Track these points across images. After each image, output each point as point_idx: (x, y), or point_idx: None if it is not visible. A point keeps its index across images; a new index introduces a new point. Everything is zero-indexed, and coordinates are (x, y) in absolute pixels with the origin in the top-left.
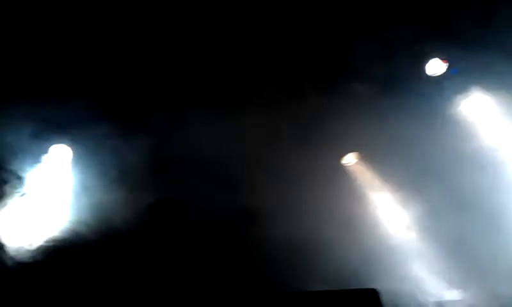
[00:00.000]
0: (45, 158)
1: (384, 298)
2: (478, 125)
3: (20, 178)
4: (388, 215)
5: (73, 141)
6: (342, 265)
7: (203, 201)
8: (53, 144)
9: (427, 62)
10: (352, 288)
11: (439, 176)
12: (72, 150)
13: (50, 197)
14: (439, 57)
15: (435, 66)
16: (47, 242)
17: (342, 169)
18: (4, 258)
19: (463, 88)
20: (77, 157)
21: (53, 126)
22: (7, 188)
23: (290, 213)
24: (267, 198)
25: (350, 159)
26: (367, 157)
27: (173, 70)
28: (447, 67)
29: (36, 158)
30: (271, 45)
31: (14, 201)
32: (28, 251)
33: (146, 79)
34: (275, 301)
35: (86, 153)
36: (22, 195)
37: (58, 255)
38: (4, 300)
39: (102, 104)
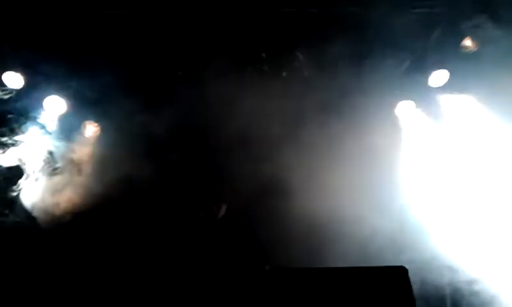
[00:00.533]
0: (74, 133)
1: (412, 277)
2: None
3: (51, 153)
4: (420, 190)
5: (100, 116)
6: (368, 242)
7: (228, 173)
8: (82, 120)
9: None
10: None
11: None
12: (100, 125)
13: (79, 171)
14: None
15: None
16: (75, 213)
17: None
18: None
19: None
20: (105, 132)
21: (83, 102)
22: (39, 163)
23: (315, 189)
24: (293, 172)
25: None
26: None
27: (201, 39)
28: None
29: (65, 134)
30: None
31: (46, 175)
32: (58, 220)
33: (170, 49)
34: (297, 277)
35: (114, 128)
36: (54, 169)
37: (85, 225)
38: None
39: (129, 78)
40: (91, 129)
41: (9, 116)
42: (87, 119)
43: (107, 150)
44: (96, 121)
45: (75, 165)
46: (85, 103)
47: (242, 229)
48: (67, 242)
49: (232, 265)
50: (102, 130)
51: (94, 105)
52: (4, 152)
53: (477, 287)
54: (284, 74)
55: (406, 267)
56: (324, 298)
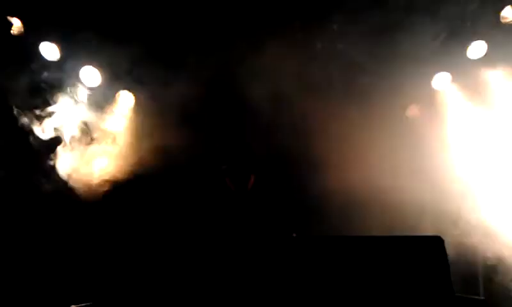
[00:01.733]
0: (109, 104)
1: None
2: None
3: (86, 124)
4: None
5: (135, 87)
6: (402, 213)
7: (260, 146)
8: (117, 90)
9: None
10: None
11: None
12: (134, 96)
13: (114, 141)
14: None
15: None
16: (111, 183)
17: (405, 118)
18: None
19: None
20: (139, 102)
21: (116, 72)
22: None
23: (349, 161)
24: (326, 145)
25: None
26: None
27: (234, 8)
28: None
29: (100, 105)
30: None
31: (81, 146)
32: (94, 191)
33: (203, 17)
34: (328, 245)
35: (147, 97)
36: (90, 139)
37: (121, 196)
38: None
39: (162, 47)
40: (125, 99)
41: (45, 87)
42: (121, 89)
43: (142, 120)
44: (130, 91)
45: (110, 136)
46: (119, 74)
47: (272, 200)
48: (103, 212)
49: (260, 233)
50: (136, 99)
51: (128, 75)
52: (41, 123)
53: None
54: (319, 45)
55: (442, 237)
56: (356, 266)
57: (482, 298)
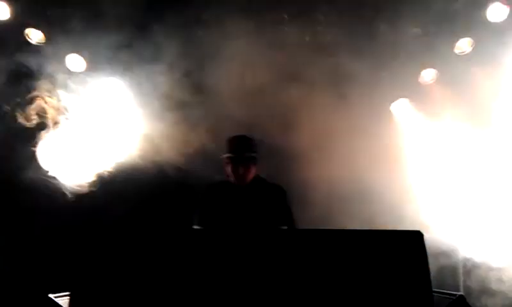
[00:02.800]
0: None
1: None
2: None
3: (68, 110)
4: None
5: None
6: (381, 207)
7: None
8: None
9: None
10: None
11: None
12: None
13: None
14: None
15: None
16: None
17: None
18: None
19: None
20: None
21: (100, 59)
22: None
23: (328, 153)
24: (305, 138)
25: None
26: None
27: None
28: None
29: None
30: None
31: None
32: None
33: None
34: (309, 238)
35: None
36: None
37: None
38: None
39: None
40: (110, 86)
41: (29, 73)
42: (104, 76)
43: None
44: (115, 78)
45: (93, 123)
46: (104, 61)
47: (270, 192)
48: (83, 201)
49: (253, 225)
50: (120, 87)
51: (112, 62)
52: (23, 109)
53: (490, 257)
54: (307, 38)
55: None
56: (336, 260)
57: (461, 293)
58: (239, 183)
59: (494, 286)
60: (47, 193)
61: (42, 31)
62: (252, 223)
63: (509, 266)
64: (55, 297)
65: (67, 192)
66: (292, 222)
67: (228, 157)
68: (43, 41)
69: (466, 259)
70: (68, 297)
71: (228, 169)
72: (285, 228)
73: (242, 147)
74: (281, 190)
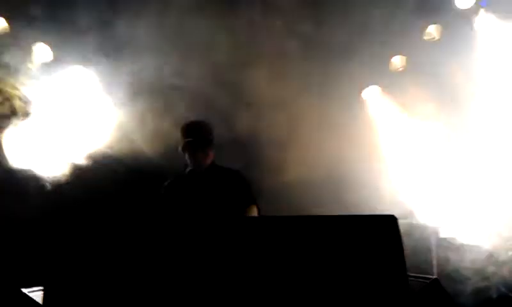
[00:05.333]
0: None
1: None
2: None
3: (35, 101)
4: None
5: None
6: (357, 191)
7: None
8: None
9: None
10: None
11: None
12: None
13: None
14: None
15: None
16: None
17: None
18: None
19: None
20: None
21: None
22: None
23: (304, 144)
24: (280, 128)
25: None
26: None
27: None
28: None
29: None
30: None
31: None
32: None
33: None
34: (282, 225)
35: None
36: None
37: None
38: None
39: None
40: (76, 74)
41: None
42: (73, 64)
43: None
44: (81, 66)
45: (61, 113)
46: (71, 50)
47: (230, 177)
48: (57, 193)
49: (219, 213)
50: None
51: (80, 51)
52: None
53: (463, 238)
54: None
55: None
56: (309, 246)
57: (435, 277)
58: (198, 169)
59: (467, 268)
60: (17, 184)
61: (6, 20)
62: (215, 209)
63: (481, 247)
64: (28, 292)
65: (37, 183)
66: (254, 203)
67: (186, 142)
68: (7, 30)
69: (440, 241)
70: (42, 291)
71: (186, 154)
72: (255, 214)
73: (199, 131)
74: (239, 174)
